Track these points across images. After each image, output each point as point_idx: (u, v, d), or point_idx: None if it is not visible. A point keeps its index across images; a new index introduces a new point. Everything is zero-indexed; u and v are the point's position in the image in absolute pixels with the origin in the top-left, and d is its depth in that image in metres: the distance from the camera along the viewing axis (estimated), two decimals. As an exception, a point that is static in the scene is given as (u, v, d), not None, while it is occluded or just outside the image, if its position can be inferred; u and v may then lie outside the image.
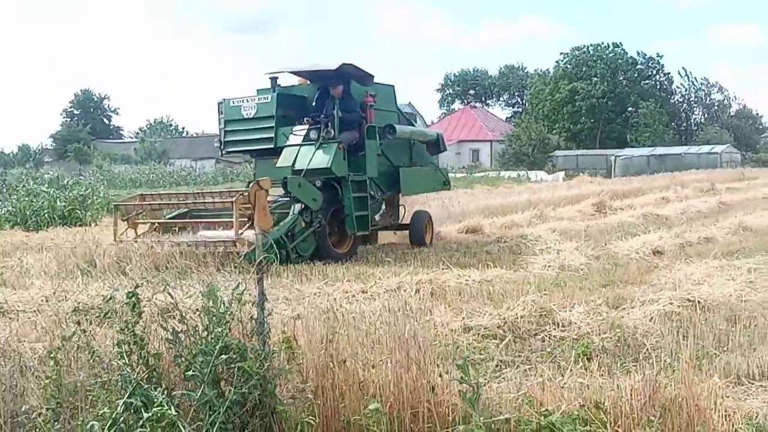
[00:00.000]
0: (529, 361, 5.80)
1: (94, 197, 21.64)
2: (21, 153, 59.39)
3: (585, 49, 71.02)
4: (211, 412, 3.73)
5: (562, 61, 72.26)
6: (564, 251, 11.35)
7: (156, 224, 12.16)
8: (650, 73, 71.59)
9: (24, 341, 6.01)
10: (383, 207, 13.86)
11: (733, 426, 4.15)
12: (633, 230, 14.67)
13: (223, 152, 13.83)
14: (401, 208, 14.27)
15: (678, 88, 73.04)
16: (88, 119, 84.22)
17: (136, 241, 11.58)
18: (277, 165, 12.12)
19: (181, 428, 3.55)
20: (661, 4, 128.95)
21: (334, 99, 12.25)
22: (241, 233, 10.46)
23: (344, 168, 11.95)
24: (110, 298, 4.42)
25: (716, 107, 72.88)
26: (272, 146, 12.58)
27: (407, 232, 13.84)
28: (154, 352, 3.98)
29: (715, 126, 67.30)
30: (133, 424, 3.67)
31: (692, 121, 74.00)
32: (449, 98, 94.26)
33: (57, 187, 23.52)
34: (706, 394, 4.16)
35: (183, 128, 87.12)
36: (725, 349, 6.04)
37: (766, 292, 8.08)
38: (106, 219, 12.56)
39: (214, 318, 3.99)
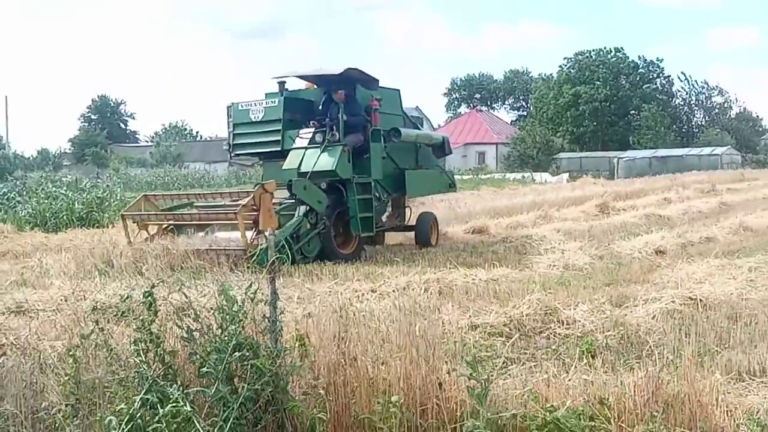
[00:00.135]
0: (534, 358, 5.79)
1: (111, 200, 21.69)
2: (40, 157, 59.57)
3: (588, 54, 70.84)
4: (225, 408, 3.73)
5: (566, 65, 72.11)
6: (568, 251, 11.32)
7: (168, 225, 12.18)
8: (651, 77, 71.40)
9: (44, 339, 6.04)
10: (389, 208, 13.87)
11: (734, 421, 4.13)
12: (636, 230, 14.63)
13: (232, 155, 13.81)
14: (407, 209, 14.23)
15: (679, 91, 72.86)
16: (105, 124, 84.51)
17: (148, 241, 11.62)
18: (284, 167, 12.11)
19: (196, 424, 3.56)
20: (660, 9, 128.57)
21: (339, 103, 12.22)
22: (252, 240, 10.50)
23: (349, 170, 11.93)
24: (127, 298, 4.44)
25: (717, 110, 72.58)
26: (279, 149, 12.57)
27: (413, 233, 13.81)
28: (169, 349, 3.99)
29: (716, 128, 67.03)
30: (149, 420, 3.68)
31: (693, 123, 73.71)
32: (456, 102, 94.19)
33: (75, 190, 23.60)
34: (707, 391, 4.14)
35: (197, 132, 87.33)
36: (726, 346, 6.02)
37: (767, 290, 8.04)
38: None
39: (227, 316, 4.00)
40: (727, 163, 52.04)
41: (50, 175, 33.92)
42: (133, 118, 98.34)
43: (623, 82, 69.27)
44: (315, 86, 13.32)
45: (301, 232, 11.17)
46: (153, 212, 12.34)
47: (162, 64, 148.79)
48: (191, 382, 3.92)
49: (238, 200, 11.76)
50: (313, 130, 12.22)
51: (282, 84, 13.04)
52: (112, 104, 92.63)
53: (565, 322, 6.68)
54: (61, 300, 8.12)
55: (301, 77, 13.33)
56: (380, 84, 12.98)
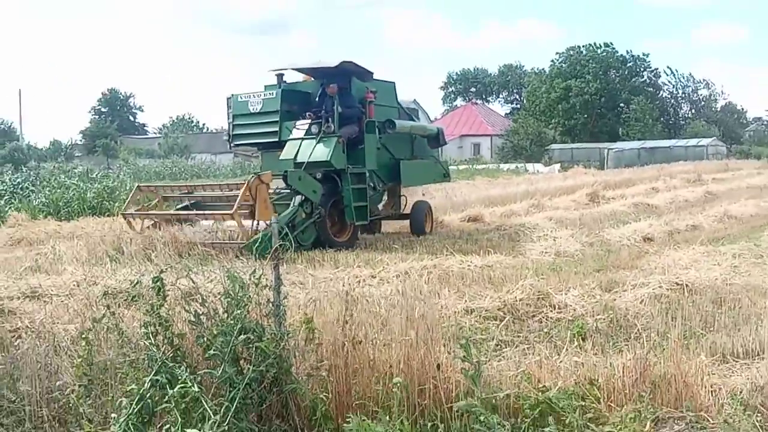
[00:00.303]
0: (527, 340, 5.81)
1: (121, 189, 21.67)
2: (53, 148, 59.37)
3: (578, 49, 70.62)
4: (231, 389, 3.74)
5: (558, 60, 71.84)
6: (560, 238, 11.34)
7: (158, 218, 12.08)
8: (639, 71, 71.20)
9: (57, 323, 6.04)
10: (385, 197, 13.84)
11: (718, 401, 4.15)
12: (624, 218, 14.63)
13: (231, 145, 13.72)
14: (403, 198, 14.18)
15: (665, 84, 72.68)
16: (115, 116, 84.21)
17: (150, 229, 11.58)
18: (280, 158, 12.08)
19: (204, 404, 3.56)
20: (651, 6, 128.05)
21: (332, 96, 12.12)
22: (250, 228, 10.42)
23: (343, 161, 11.88)
24: (137, 283, 4.44)
25: (703, 102, 72.44)
26: (277, 140, 12.53)
27: (408, 221, 13.76)
28: (178, 333, 3.99)
29: (702, 120, 66.90)
30: (158, 400, 3.69)
31: (680, 115, 73.57)
32: (452, 95, 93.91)
33: (86, 180, 23.58)
34: (693, 372, 4.15)
35: (203, 124, 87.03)
36: (711, 329, 6.04)
37: (750, 276, 8.06)
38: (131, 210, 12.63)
39: (233, 301, 4.00)
40: (712, 154, 51.95)
41: (62, 165, 33.84)
42: (142, 111, 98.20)
43: (612, 76, 69.08)
44: (312, 79, 13.25)
45: (296, 221, 11.13)
46: (153, 212, 12.20)
47: (169, 59, 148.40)
48: (199, 364, 3.93)
49: (232, 192, 11.55)
50: (309, 121, 12.17)
51: (280, 77, 12.97)
52: (122, 97, 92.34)
53: (557, 307, 6.70)
54: (74, 285, 8.13)
55: (299, 70, 13.27)
56: (377, 77, 12.94)
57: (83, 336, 4.45)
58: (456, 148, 65.35)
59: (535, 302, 6.78)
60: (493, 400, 3.86)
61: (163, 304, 3.99)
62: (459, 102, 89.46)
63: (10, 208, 18.65)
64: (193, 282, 4.27)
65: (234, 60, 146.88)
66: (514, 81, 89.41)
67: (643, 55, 71.65)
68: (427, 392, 4.05)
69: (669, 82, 72.26)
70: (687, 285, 7.45)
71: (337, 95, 12.08)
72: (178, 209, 12.33)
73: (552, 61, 72.46)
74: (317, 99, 12.64)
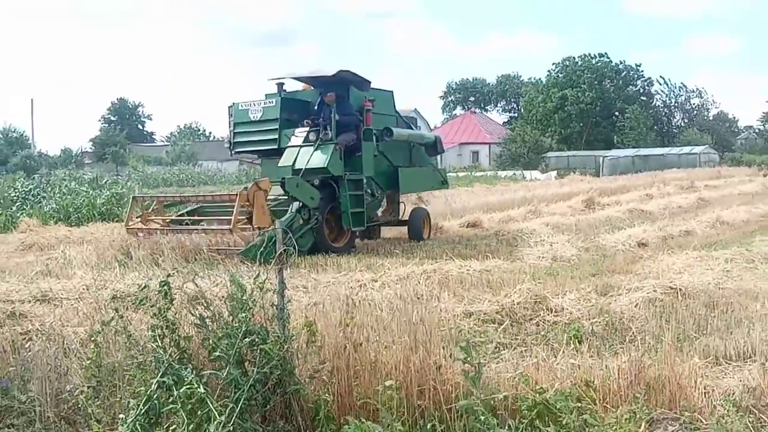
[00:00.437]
0: (525, 343, 5.79)
1: (130, 195, 21.67)
2: (64, 155, 59.46)
3: (574, 60, 70.72)
4: (236, 390, 3.73)
5: (554, 70, 71.95)
6: (556, 243, 11.33)
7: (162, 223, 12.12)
8: (633, 80, 71.21)
9: (67, 326, 6.04)
10: (384, 204, 13.81)
11: (711, 402, 4.13)
12: (619, 224, 14.62)
13: (232, 152, 13.70)
14: (401, 205, 14.15)
15: (657, 93, 72.71)
16: (124, 125, 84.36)
17: (143, 235, 11.54)
18: (279, 164, 12.04)
19: (209, 404, 3.56)
20: (644, 17, 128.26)
21: (330, 104, 12.09)
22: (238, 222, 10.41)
23: (340, 167, 11.85)
24: (145, 287, 4.43)
25: (695, 111, 72.45)
26: (276, 147, 12.49)
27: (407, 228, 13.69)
28: (184, 335, 3.98)
29: (695, 128, 66.90)
30: (165, 401, 3.68)
31: (673, 124, 73.56)
32: (451, 104, 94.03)
33: (96, 187, 23.61)
34: (687, 374, 4.14)
35: (210, 133, 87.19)
36: (704, 332, 6.02)
37: (742, 280, 8.05)
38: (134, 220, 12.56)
39: (238, 304, 3.99)
40: (704, 162, 51.99)
41: (73, 172, 33.89)
42: (150, 120, 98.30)
43: (607, 85, 69.14)
44: (312, 88, 13.23)
45: (294, 226, 11.08)
46: (156, 226, 12.06)
47: (178, 68, 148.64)
48: (204, 366, 3.92)
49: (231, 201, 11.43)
50: (307, 129, 12.13)
51: (280, 85, 12.97)
52: (131, 106, 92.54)
53: (554, 310, 6.68)
54: (83, 289, 8.13)
55: (297, 79, 13.23)
56: (377, 86, 12.94)
57: (92, 338, 4.45)
58: (455, 156, 65.45)
59: (533, 306, 6.77)
60: (492, 401, 3.84)
61: (169, 308, 3.99)
62: (458, 111, 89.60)
63: (21, 214, 18.69)
64: (198, 286, 4.26)
65: (240, 70, 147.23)
66: (512, 90, 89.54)
67: (636, 65, 71.78)
68: (427, 393, 4.04)
69: (662, 91, 72.35)
70: (680, 289, 7.43)
71: (335, 103, 12.05)
72: (180, 214, 12.32)
73: (548, 71, 72.63)
74: (316, 107, 12.63)
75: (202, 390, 3.58)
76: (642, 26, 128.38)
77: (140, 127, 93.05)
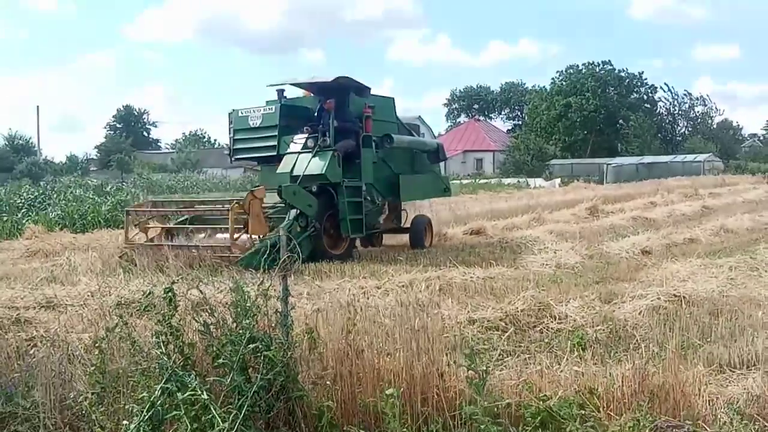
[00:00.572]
0: (528, 350, 5.78)
1: (134, 202, 21.72)
2: (69, 162, 59.66)
3: (578, 67, 70.81)
4: (239, 397, 3.73)
5: (558, 78, 72.09)
6: (560, 251, 11.30)
7: (162, 228, 12.07)
8: (636, 87, 71.20)
9: (72, 332, 6.04)
10: (386, 211, 13.71)
11: (715, 410, 4.12)
12: (623, 232, 14.60)
13: (232, 159, 13.61)
14: (404, 212, 14.03)
15: (663, 102, 72.67)
16: (130, 132, 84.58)
17: (146, 244, 11.48)
18: (278, 171, 11.96)
19: (213, 411, 3.56)
20: (645, 25, 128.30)
21: (329, 111, 11.99)
22: (237, 238, 10.31)
23: (339, 174, 11.74)
24: (149, 294, 4.44)
25: (699, 119, 72.38)
26: (275, 153, 12.41)
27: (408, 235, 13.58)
28: (188, 342, 3.98)
29: (699, 136, 66.81)
30: (169, 408, 3.68)
31: (677, 132, 73.54)
32: (455, 112, 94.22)
33: (101, 194, 23.68)
34: (690, 382, 4.13)
35: (215, 140, 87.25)
36: (708, 340, 6.00)
37: (746, 288, 8.03)
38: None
39: (242, 311, 4.00)
40: (709, 169, 51.92)
41: (78, 179, 33.98)
42: (156, 127, 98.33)
43: (611, 93, 69.15)
44: (312, 94, 13.14)
45: (292, 234, 10.98)
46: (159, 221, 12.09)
47: (182, 76, 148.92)
48: (208, 373, 3.92)
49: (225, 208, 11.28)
50: (306, 135, 12.06)
51: (281, 92, 12.90)
52: (136, 114, 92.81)
53: (558, 317, 6.67)
54: (88, 295, 8.13)
55: (296, 85, 13.13)
56: (381, 93, 12.93)
57: (96, 345, 4.45)
58: (459, 163, 65.49)
59: (536, 313, 6.76)
60: (496, 409, 3.84)
61: (174, 314, 3.99)
62: (462, 118, 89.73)
63: (27, 220, 18.72)
64: (202, 293, 4.26)
65: (245, 78, 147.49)
66: (516, 98, 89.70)
67: (638, 73, 71.81)
68: (430, 401, 4.03)
69: (665, 98, 72.32)
70: (684, 297, 7.42)
71: (334, 110, 11.96)
72: (177, 223, 12.23)
73: (552, 79, 72.81)
74: (316, 114, 12.53)
75: (205, 396, 3.58)
76: (645, 34, 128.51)
77: (146, 134, 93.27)
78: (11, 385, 4.66)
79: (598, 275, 9.42)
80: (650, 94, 71.67)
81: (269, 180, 12.30)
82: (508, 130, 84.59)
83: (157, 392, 3.71)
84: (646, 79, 71.52)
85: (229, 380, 3.76)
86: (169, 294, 4.02)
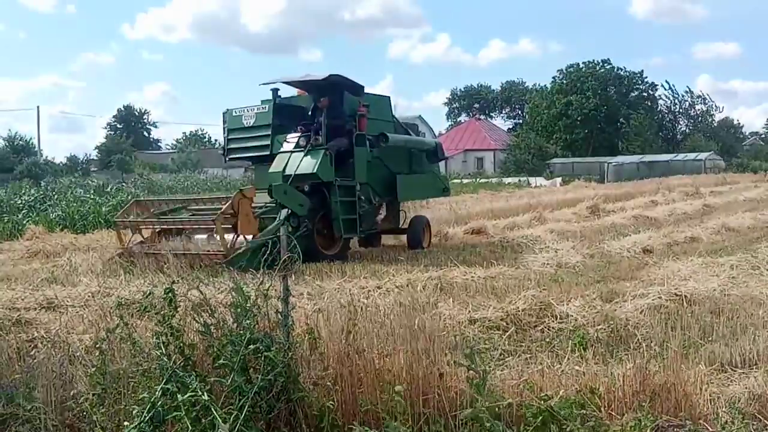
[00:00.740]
0: (529, 350, 5.78)
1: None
2: (70, 163, 59.70)
3: (578, 66, 70.76)
4: (240, 397, 3.73)
5: (558, 77, 72.04)
6: (561, 250, 11.31)
7: (158, 229, 11.99)
8: (637, 85, 71.14)
9: (72, 333, 6.05)
10: (384, 211, 13.63)
11: (717, 409, 4.12)
12: (624, 231, 14.60)
13: (226, 159, 13.52)
14: (402, 212, 13.91)
15: (663, 100, 72.63)
16: (130, 132, 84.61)
17: (143, 244, 11.43)
18: (270, 171, 11.87)
19: (214, 412, 3.56)
20: (645, 23, 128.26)
21: (322, 109, 11.91)
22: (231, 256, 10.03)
23: (331, 173, 11.60)
24: (149, 294, 4.44)
25: (700, 117, 72.33)
26: (269, 153, 12.33)
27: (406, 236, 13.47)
28: (188, 342, 3.98)
29: (699, 135, 66.76)
30: (169, 408, 3.68)
31: (677, 130, 73.49)
32: (456, 111, 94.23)
33: (101, 194, 23.69)
34: (692, 381, 4.13)
35: (215, 140, 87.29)
36: (710, 339, 6.00)
37: (747, 286, 8.02)
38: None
39: (242, 312, 4.00)
40: (710, 168, 51.90)
41: (78, 180, 34.00)
42: (156, 127, 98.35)
43: (611, 91, 69.10)
44: (306, 93, 13.03)
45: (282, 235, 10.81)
46: (143, 219, 11.96)
47: (182, 76, 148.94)
48: (209, 373, 3.92)
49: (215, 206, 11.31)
50: (299, 134, 11.97)
51: (275, 91, 12.83)
52: (137, 114, 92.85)
53: (559, 317, 6.67)
54: (89, 296, 8.13)
55: (289, 83, 12.98)
56: (381, 92, 12.88)
57: (97, 346, 4.46)
58: (460, 163, 65.49)
59: (537, 312, 6.76)
60: (497, 409, 3.83)
61: (174, 315, 3.99)
62: (463, 118, 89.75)
63: (27, 221, 18.73)
64: (202, 293, 4.26)
65: (245, 77, 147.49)
66: (516, 97, 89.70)
67: (638, 72, 71.77)
68: (431, 401, 4.03)
69: (666, 96, 72.27)
70: (686, 296, 7.41)
71: (327, 108, 11.87)
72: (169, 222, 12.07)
73: (553, 77, 72.79)
74: (309, 113, 12.41)
75: (206, 397, 3.58)
76: (645, 32, 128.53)
77: (146, 134, 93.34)
78: (12, 387, 4.67)
79: (599, 274, 9.42)
80: (650, 92, 71.61)
81: (263, 180, 12.19)
82: (509, 129, 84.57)
83: (157, 393, 3.71)
84: (646, 77, 71.59)
85: (229, 381, 3.76)
86: (170, 295, 4.02)
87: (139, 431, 3.64)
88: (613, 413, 3.89)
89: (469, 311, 6.82)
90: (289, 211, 11.04)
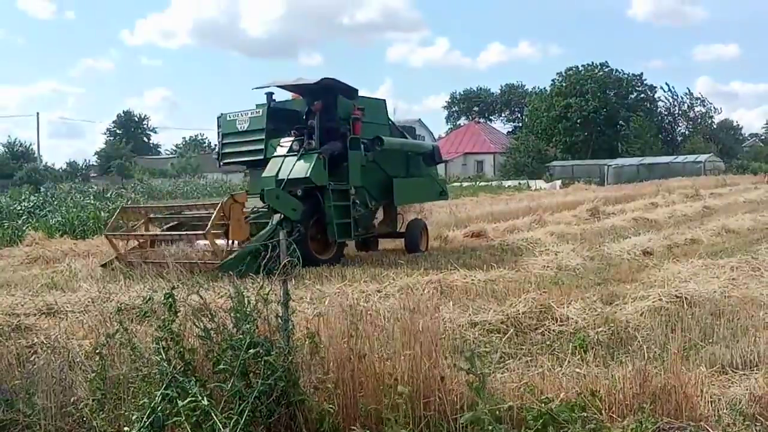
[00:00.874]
0: (530, 353, 5.78)
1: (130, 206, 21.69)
2: (69, 169, 59.72)
3: (577, 69, 70.77)
4: (240, 402, 3.73)
5: (557, 80, 72.04)
6: (561, 253, 11.31)
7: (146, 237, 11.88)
8: (636, 87, 71.17)
9: (72, 339, 6.04)
10: (380, 215, 13.50)
11: (717, 412, 4.12)
12: (624, 233, 14.60)
13: (220, 164, 13.44)
14: (399, 216, 13.80)
15: (663, 102, 72.63)
16: (130, 138, 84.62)
17: (140, 247, 11.35)
18: (263, 175, 11.78)
19: (214, 416, 3.56)
20: (644, 26, 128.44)
21: (316, 113, 11.85)
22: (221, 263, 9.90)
23: (324, 177, 11.53)
24: (149, 299, 4.44)
25: (699, 119, 72.36)
26: (263, 157, 12.25)
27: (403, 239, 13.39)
28: (188, 347, 3.98)
29: (699, 136, 66.77)
30: (169, 413, 3.68)
31: (677, 132, 73.54)
32: (455, 114, 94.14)
33: (101, 199, 23.67)
34: (692, 383, 4.12)
35: (215, 145, 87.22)
36: (710, 341, 5.99)
37: (748, 288, 8.02)
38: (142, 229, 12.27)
39: (242, 316, 4.00)
40: (709, 170, 51.90)
41: (78, 186, 34.01)
42: (156, 133, 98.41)
43: (610, 94, 69.12)
44: (301, 97, 12.96)
45: (276, 240, 10.68)
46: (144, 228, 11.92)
47: (181, 81, 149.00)
48: (209, 378, 3.92)
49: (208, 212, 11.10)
50: (293, 138, 11.91)
51: (269, 95, 12.75)
52: (136, 119, 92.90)
53: (559, 320, 6.67)
54: (89, 302, 8.12)
55: (282, 87, 12.95)
56: (384, 97, 12.86)
57: (97, 351, 4.46)
58: (460, 166, 65.50)
59: (538, 315, 6.75)
60: (497, 412, 3.83)
61: (174, 320, 3.99)
62: (462, 121, 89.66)
63: (27, 227, 18.71)
64: (202, 298, 4.26)
65: (245, 82, 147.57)
66: (516, 100, 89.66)
67: (638, 74, 71.80)
68: (433, 404, 4.02)
69: (666, 98, 72.30)
70: (686, 298, 7.41)
71: (320, 112, 11.80)
72: (165, 230, 12.03)
73: (552, 80, 72.67)
74: (304, 117, 12.32)
75: (206, 402, 3.58)
76: (645, 35, 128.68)
77: (146, 140, 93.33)
78: (12, 392, 4.67)
79: (599, 277, 9.42)
80: (649, 94, 71.63)
81: (257, 184, 12.12)
82: (509, 132, 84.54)
83: (157, 398, 3.71)
84: (645, 79, 71.59)
85: (229, 386, 3.76)
86: (169, 300, 4.02)
87: (139, 436, 3.64)
88: (613, 416, 3.89)
89: (470, 314, 6.82)
90: (282, 215, 11.00)
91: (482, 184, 47.66)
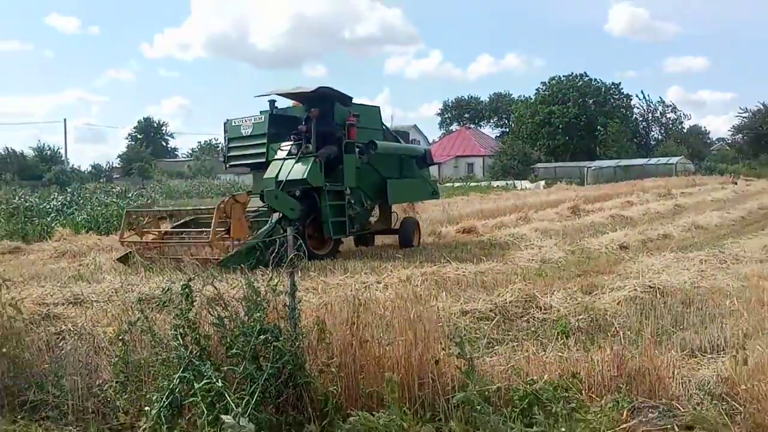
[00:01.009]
0: (516, 338, 5.78)
1: (154, 206, 21.72)
2: (94, 171, 59.65)
3: (560, 79, 70.72)
4: (251, 384, 3.73)
5: (542, 88, 71.95)
6: (545, 247, 11.31)
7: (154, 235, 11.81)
8: (613, 95, 71.10)
9: (97, 326, 6.03)
10: (376, 214, 13.48)
11: (688, 391, 4.12)
12: (603, 229, 14.60)
13: (227, 166, 13.43)
14: (393, 214, 13.82)
15: (638, 108, 72.58)
16: (150, 142, 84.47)
17: (138, 247, 11.22)
18: (264, 177, 11.81)
19: (227, 397, 3.56)
20: (620, 40, 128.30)
21: (313, 119, 11.81)
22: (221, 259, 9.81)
23: (320, 179, 11.54)
24: (168, 290, 4.44)
25: (671, 125, 72.30)
26: (264, 160, 12.24)
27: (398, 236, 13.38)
28: (204, 334, 3.98)
29: (671, 141, 66.75)
30: (186, 394, 3.68)
31: (651, 137, 73.50)
32: (448, 121, 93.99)
33: (123, 198, 23.65)
34: (665, 366, 4.13)
35: (222, 148, 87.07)
36: (681, 327, 6.00)
37: (715, 279, 8.02)
38: (163, 226, 12.24)
39: (253, 305, 4.00)
40: (680, 171, 51.89)
41: (102, 186, 33.98)
42: (173, 137, 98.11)
43: (590, 102, 69.07)
44: (301, 104, 12.92)
45: (275, 237, 10.68)
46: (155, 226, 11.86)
47: (196, 90, 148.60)
48: (222, 362, 3.92)
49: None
50: (292, 142, 11.91)
51: (272, 103, 12.77)
52: (156, 125, 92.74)
53: (543, 308, 6.67)
54: (112, 292, 8.11)
55: (281, 95, 12.87)
56: (383, 105, 12.92)
57: (120, 337, 4.46)
58: (452, 168, 65.47)
59: (523, 304, 6.76)
60: (486, 392, 3.83)
61: (191, 309, 3.99)
62: (454, 127, 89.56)
63: (56, 224, 18.69)
64: (216, 289, 4.26)
65: (253, 91, 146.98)
66: (503, 107, 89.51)
67: (614, 84, 71.78)
68: (427, 385, 4.03)
69: (640, 106, 72.24)
70: (659, 288, 7.42)
71: (317, 118, 11.79)
72: (175, 226, 11.98)
73: (537, 89, 72.58)
74: (303, 122, 12.28)
75: (220, 384, 3.58)
76: (620, 48, 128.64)
77: (164, 144, 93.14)
78: (42, 375, 4.67)
79: (579, 269, 9.42)
80: (625, 102, 71.60)
81: (259, 185, 12.11)
82: (497, 136, 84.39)
83: (175, 380, 3.72)
84: (622, 88, 71.55)
85: (241, 369, 3.76)
86: (187, 290, 4.02)
87: (159, 415, 3.64)
88: (593, 395, 3.89)
89: (461, 303, 6.82)
90: (281, 214, 10.99)
91: (472, 184, 47.61)
